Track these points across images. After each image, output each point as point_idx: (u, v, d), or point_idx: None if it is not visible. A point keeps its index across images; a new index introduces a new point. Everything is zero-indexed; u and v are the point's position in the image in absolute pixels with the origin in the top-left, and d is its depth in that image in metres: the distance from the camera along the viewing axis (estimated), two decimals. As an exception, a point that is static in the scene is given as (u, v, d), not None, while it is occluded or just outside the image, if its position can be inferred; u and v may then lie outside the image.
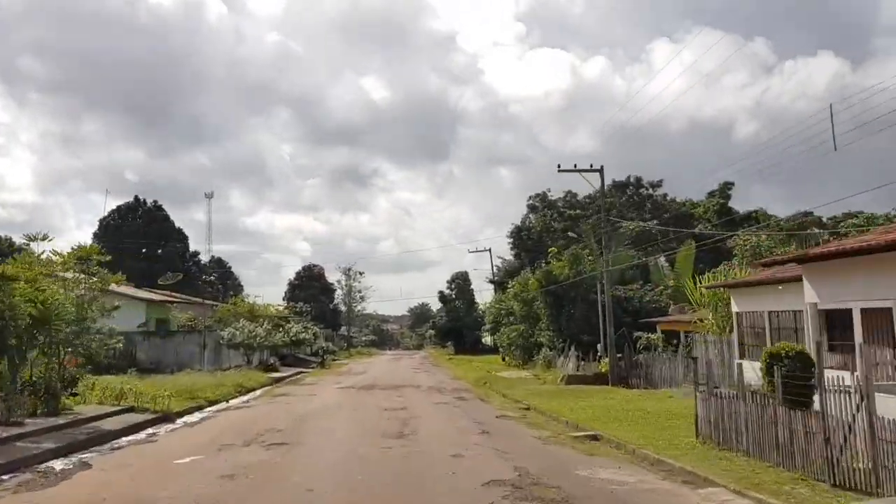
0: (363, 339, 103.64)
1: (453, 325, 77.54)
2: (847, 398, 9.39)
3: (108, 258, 19.62)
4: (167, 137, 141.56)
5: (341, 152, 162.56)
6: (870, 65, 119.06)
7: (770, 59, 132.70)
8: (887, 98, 17.37)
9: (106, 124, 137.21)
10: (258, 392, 28.62)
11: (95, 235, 69.58)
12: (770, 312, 19.36)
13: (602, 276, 31.58)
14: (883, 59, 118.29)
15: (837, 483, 9.27)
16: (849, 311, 14.19)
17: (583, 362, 31.92)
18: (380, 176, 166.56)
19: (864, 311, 13.69)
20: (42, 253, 18.78)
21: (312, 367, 48.08)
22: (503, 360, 47.97)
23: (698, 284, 28.51)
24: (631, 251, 42.62)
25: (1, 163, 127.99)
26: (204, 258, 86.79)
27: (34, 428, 14.94)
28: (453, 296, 79.74)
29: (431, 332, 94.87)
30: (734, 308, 21.66)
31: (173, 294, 46.35)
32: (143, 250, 69.23)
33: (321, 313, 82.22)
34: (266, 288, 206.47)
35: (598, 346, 31.77)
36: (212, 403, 22.96)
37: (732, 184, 57.00)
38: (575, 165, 29.92)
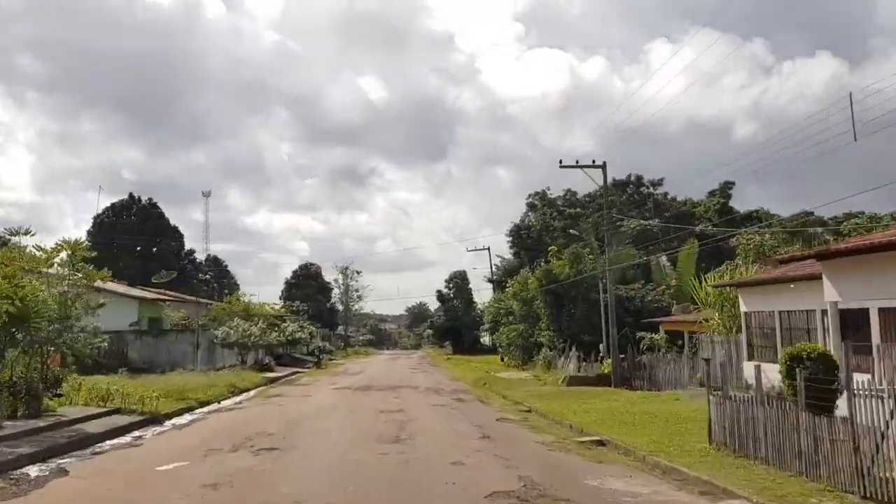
0: (360, 338, 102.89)
1: (451, 324, 76.93)
2: (880, 404, 8.70)
3: (94, 254, 18.85)
4: (165, 136, 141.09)
5: (339, 152, 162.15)
6: (867, 65, 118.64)
7: (768, 59, 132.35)
8: (882, 100, 17.08)
9: (104, 123, 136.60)
10: (252, 393, 27.91)
11: (89, 233, 68.78)
12: (781, 312, 18.71)
13: (604, 275, 30.91)
14: (880, 59, 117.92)
15: (868, 495, 8.58)
16: (863, 311, 13.55)
17: (584, 363, 31.27)
18: (378, 175, 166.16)
19: (881, 311, 13.04)
20: (25, 248, 18.00)
21: (308, 367, 47.34)
22: (502, 360, 47.35)
23: (703, 283, 27.87)
24: (632, 250, 42.02)
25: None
26: (201, 257, 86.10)
27: (12, 431, 14.20)
28: (451, 295, 79.10)
29: (429, 331, 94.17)
30: (742, 308, 21.00)
31: (167, 292, 45.60)
32: (138, 248, 68.50)
33: (318, 312, 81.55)
34: (263, 287, 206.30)
35: (601, 347, 31.09)
36: (203, 405, 22.24)
37: (733, 183, 56.56)
38: (577, 161, 29.22)
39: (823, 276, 13.76)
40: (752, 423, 11.21)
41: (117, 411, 18.19)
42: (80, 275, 18.01)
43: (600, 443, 13.75)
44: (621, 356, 27.82)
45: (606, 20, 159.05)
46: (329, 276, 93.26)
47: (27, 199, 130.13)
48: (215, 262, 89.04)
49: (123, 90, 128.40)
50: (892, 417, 8.46)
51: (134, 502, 9.48)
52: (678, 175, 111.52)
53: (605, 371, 28.00)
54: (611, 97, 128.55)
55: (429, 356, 71.97)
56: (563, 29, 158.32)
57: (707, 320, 25.48)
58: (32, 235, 17.78)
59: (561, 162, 29.47)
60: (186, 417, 19.49)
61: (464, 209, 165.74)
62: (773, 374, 13.80)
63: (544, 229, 60.53)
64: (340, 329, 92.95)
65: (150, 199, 76.91)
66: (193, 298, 44.97)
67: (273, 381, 34.19)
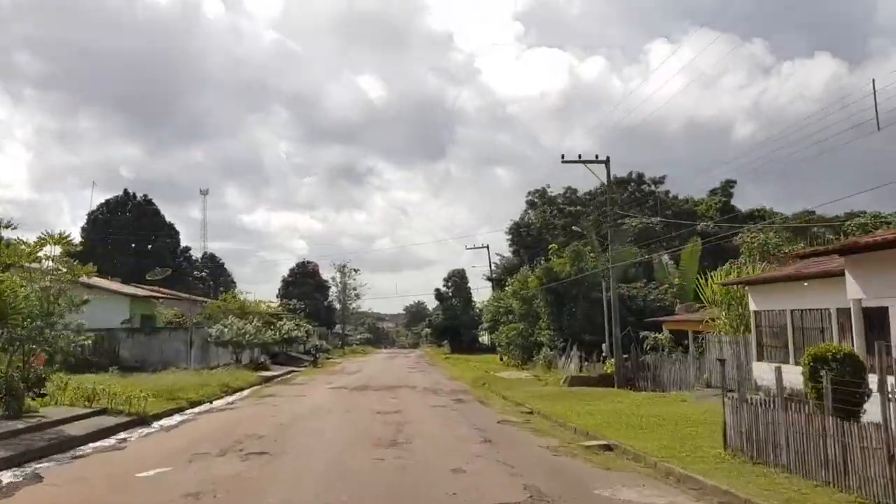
0: (358, 337, 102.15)
1: (450, 323, 76.26)
2: (918, 409, 8.01)
3: (80, 248, 18.10)
4: (164, 135, 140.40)
5: (338, 151, 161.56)
6: (867, 65, 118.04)
7: (768, 59, 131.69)
8: (881, 99, 16.41)
9: (102, 121, 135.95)
10: (245, 392, 27.18)
11: (84, 229, 67.95)
12: (793, 311, 18.01)
13: (606, 273, 30.22)
14: (880, 59, 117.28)
15: (904, 508, 7.90)
16: (882, 310, 12.87)
17: (586, 363, 30.60)
18: (376, 175, 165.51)
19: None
20: (6, 242, 17.21)
21: (304, 366, 46.60)
22: (501, 359, 46.68)
23: (709, 282, 27.18)
24: (633, 248, 41.34)
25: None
26: (197, 255, 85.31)
27: (-11, 433, 13.51)
28: (450, 294, 78.40)
29: (427, 330, 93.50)
30: (752, 306, 20.30)
31: (160, 289, 44.77)
32: (133, 245, 67.67)
33: (315, 311, 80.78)
34: (261, 285, 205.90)
35: (603, 346, 30.38)
36: (193, 405, 21.52)
37: (734, 182, 55.97)
38: (580, 156, 28.52)
39: (846, 272, 13.04)
40: (772, 428, 10.51)
41: (103, 412, 17.47)
42: (63, 270, 17.24)
43: (608, 447, 13.04)
44: (625, 356, 27.13)
45: (606, 20, 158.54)
46: (327, 274, 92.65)
47: (25, 197, 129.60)
48: (212, 260, 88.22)
49: (122, 88, 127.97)
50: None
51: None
52: (678, 174, 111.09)
53: (608, 371, 27.29)
54: (610, 97, 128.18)
55: (427, 355, 71.28)
56: (562, 29, 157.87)
57: (713, 319, 24.79)
58: (14, 228, 17.01)
59: (563, 157, 28.81)
60: (175, 418, 18.78)
61: (463, 209, 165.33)
62: (787, 375, 13.14)
63: (544, 227, 59.79)
64: (338, 328, 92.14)
65: (145, 195, 76.05)
66: (188, 296, 44.13)
67: (268, 380, 33.45)
